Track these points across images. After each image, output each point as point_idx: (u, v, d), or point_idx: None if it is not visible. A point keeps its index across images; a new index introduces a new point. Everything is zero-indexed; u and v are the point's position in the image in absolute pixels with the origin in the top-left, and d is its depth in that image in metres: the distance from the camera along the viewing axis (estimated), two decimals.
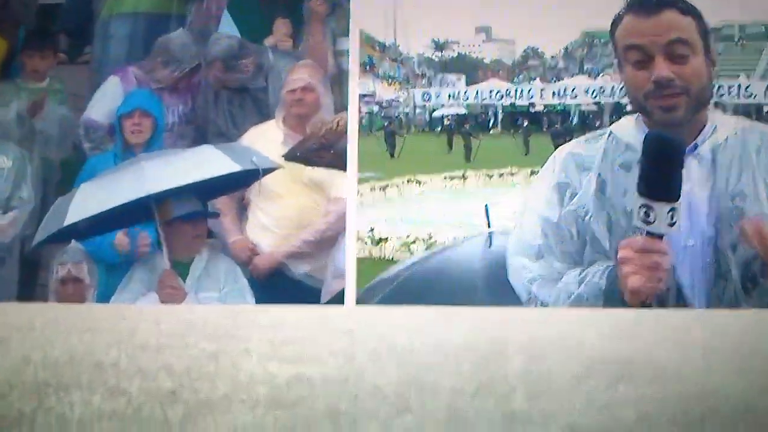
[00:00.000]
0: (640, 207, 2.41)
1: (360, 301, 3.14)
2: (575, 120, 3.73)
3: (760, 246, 2.62)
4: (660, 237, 2.44)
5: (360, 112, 3.54)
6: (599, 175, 2.82)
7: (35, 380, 2.44)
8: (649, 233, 2.43)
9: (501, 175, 3.70)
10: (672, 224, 2.41)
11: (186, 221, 3.54)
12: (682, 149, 2.49)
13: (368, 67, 3.74)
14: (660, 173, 2.41)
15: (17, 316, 3.37)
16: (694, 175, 2.72)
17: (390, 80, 3.82)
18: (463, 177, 3.74)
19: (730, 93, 3.53)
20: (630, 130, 2.83)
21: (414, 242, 3.58)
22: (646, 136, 2.54)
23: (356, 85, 3.51)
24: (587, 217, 2.81)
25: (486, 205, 3.47)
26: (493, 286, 3.09)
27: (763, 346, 2.66)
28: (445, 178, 3.73)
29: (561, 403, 2.49)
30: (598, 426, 2.40)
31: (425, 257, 3.53)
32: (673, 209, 2.40)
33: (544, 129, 3.76)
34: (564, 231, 2.83)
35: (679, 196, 2.41)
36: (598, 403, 2.48)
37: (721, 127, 2.80)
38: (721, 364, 2.63)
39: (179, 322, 3.15)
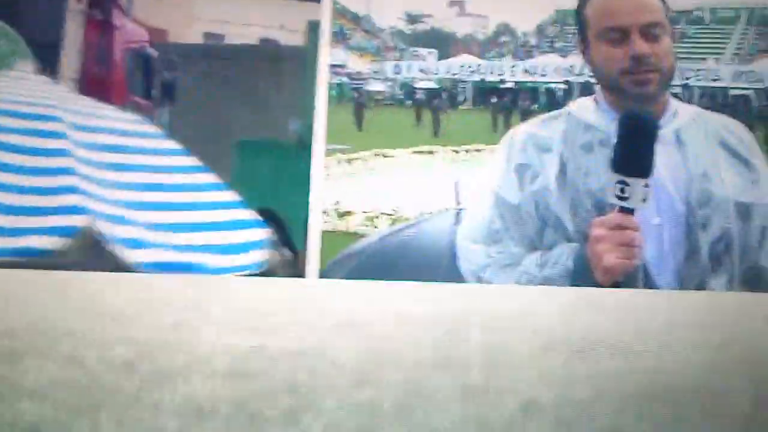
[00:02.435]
0: (616, 183, 2.53)
1: (325, 275, 3.21)
2: (544, 98, 3.81)
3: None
4: (631, 212, 2.56)
5: (329, 82, 3.60)
6: (561, 156, 2.91)
7: None
8: (622, 209, 2.54)
9: (468, 151, 3.78)
10: (644, 200, 2.55)
11: None
12: (656, 126, 2.64)
13: (340, 37, 3.80)
14: (636, 150, 2.55)
15: None
16: (660, 155, 2.81)
17: (362, 52, 3.88)
18: (431, 152, 3.81)
19: (697, 76, 3.62)
20: (590, 110, 2.94)
21: (379, 217, 3.65)
22: (622, 114, 2.67)
23: (327, 55, 3.57)
24: (549, 199, 2.90)
25: (456, 182, 3.53)
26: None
27: (722, 326, 2.78)
28: (412, 152, 3.80)
29: (518, 379, 2.60)
30: (554, 401, 2.51)
31: (392, 232, 3.59)
32: (646, 185, 2.53)
33: (514, 106, 3.84)
34: (523, 214, 2.91)
35: (652, 172, 2.55)
36: (555, 379, 2.59)
37: (681, 111, 2.94)
38: (677, 342, 2.75)
39: (141, 291, 3.21)
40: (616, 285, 2.66)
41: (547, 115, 3.05)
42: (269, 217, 3.85)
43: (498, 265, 2.95)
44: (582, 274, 2.73)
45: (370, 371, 2.62)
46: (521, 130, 3.03)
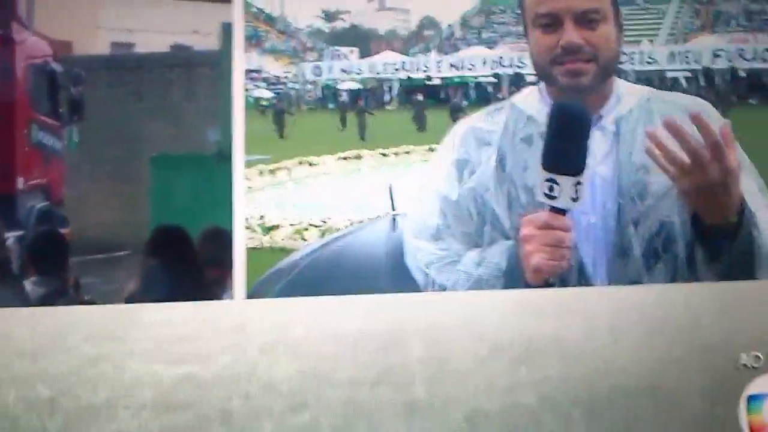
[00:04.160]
0: (544, 181, 2.54)
1: (253, 295, 3.23)
2: (473, 93, 3.87)
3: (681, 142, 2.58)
4: (563, 213, 2.58)
5: (245, 89, 3.61)
6: (499, 149, 2.92)
7: None
8: (552, 208, 2.57)
9: (397, 153, 3.82)
10: (576, 199, 2.54)
11: None
12: (588, 121, 2.62)
13: (254, 40, 3.82)
14: (565, 146, 2.54)
15: None
16: (597, 148, 2.82)
17: (278, 54, 3.90)
18: (358, 157, 3.84)
19: (632, 59, 3.69)
20: (532, 101, 2.94)
21: (307, 229, 3.67)
22: (552, 107, 2.66)
23: (241, 60, 3.59)
24: (487, 195, 2.92)
25: (390, 186, 3.55)
26: (399, 272, 3.18)
27: (668, 321, 2.87)
28: (338, 158, 3.82)
29: (462, 389, 2.66)
30: (500, 410, 2.58)
31: (324, 244, 3.61)
32: (578, 183, 2.54)
33: (443, 103, 3.89)
34: (463, 210, 2.92)
35: (584, 169, 2.56)
36: (500, 387, 2.66)
37: (626, 97, 2.92)
38: (626, 342, 2.82)
39: (57, 323, 3.20)
40: (547, 286, 2.67)
41: (491, 107, 3.07)
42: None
43: (442, 262, 2.97)
44: (514, 274, 2.75)
45: (307, 393, 2.66)
46: (465, 124, 3.05)
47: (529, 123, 2.92)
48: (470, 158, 2.96)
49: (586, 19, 2.80)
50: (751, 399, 2.84)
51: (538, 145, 2.82)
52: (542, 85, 2.94)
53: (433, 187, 3.01)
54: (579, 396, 2.67)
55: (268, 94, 3.82)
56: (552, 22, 2.82)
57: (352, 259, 3.45)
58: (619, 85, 2.97)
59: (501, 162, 2.92)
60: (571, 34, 2.79)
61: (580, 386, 2.72)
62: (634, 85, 3.05)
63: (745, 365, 2.85)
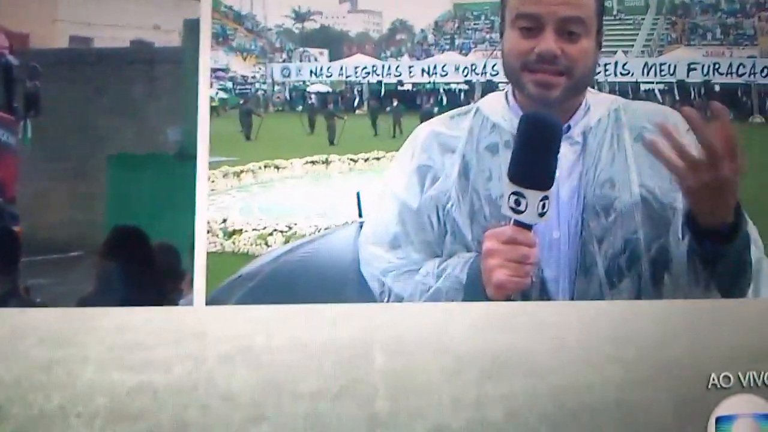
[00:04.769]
0: (511, 194, 2.52)
1: (213, 301, 3.20)
2: (445, 99, 3.87)
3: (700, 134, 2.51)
4: (528, 227, 2.55)
5: (211, 88, 3.60)
6: (463, 157, 2.89)
7: None
8: (517, 222, 2.54)
9: (366, 159, 3.81)
10: (542, 214, 2.48)
11: None
12: (559, 133, 2.57)
13: (221, 38, 3.80)
14: (534, 159, 2.48)
15: None
16: (564, 160, 2.76)
17: (246, 54, 3.89)
18: (326, 162, 3.83)
19: (606, 71, 3.71)
20: (498, 108, 2.89)
21: (272, 234, 3.65)
22: (522, 117, 2.61)
23: (207, 58, 3.57)
24: (449, 204, 2.89)
25: (357, 193, 3.53)
26: (366, 281, 3.17)
27: (638, 338, 2.88)
28: (306, 162, 3.81)
29: (427, 403, 2.66)
30: (466, 425, 2.58)
31: (289, 250, 3.59)
32: (545, 198, 2.51)
33: (414, 109, 3.88)
34: (424, 219, 2.88)
35: (552, 184, 2.54)
36: (467, 402, 2.66)
37: (595, 107, 2.88)
38: (594, 358, 2.84)
39: (8, 327, 3.17)
40: (508, 301, 2.64)
41: (456, 111, 3.00)
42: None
43: (399, 272, 2.93)
44: (475, 288, 2.71)
45: (267, 404, 2.65)
46: (427, 128, 2.98)
47: (494, 131, 2.87)
48: (433, 164, 2.90)
49: (567, 30, 2.75)
50: (720, 420, 2.86)
51: (503, 155, 2.79)
52: (509, 89, 2.90)
53: (392, 192, 2.96)
54: (546, 412, 2.68)
55: (234, 93, 3.81)
56: (532, 26, 2.75)
57: (319, 267, 3.43)
58: (589, 94, 2.93)
59: (464, 170, 2.87)
60: (549, 42, 2.73)
61: (548, 402, 2.73)
62: (603, 94, 3.02)
63: (715, 386, 2.88)
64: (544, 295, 2.80)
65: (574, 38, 2.74)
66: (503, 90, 2.92)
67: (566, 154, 2.78)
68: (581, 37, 2.74)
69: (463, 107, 3.00)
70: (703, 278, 2.74)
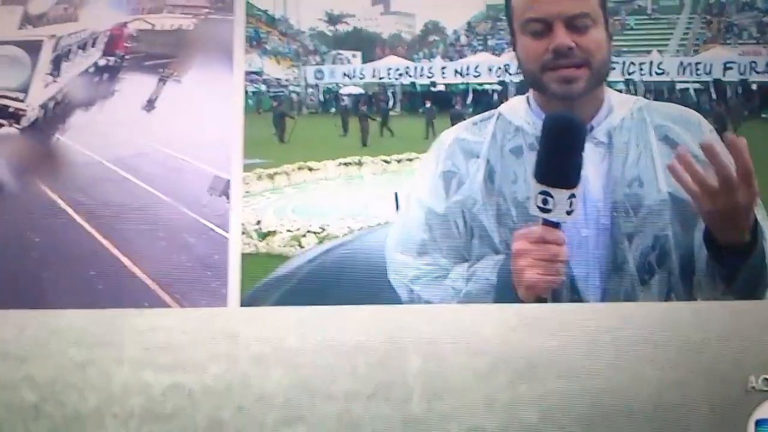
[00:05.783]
0: (538, 194, 2.53)
1: (248, 303, 3.20)
2: (479, 101, 3.85)
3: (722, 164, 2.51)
4: (557, 226, 2.56)
5: (245, 91, 3.61)
6: (488, 161, 2.89)
7: None
8: (545, 222, 2.53)
9: (399, 161, 3.80)
10: (570, 212, 2.49)
11: None
12: (583, 132, 2.59)
13: (255, 42, 3.81)
14: (560, 157, 2.50)
15: None
16: (589, 160, 2.79)
17: (279, 57, 3.89)
18: (359, 163, 3.82)
19: (641, 70, 3.67)
20: (520, 111, 2.90)
21: (305, 235, 3.65)
22: (546, 119, 2.64)
23: (241, 61, 3.58)
24: (475, 208, 2.89)
25: (396, 193, 3.54)
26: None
27: (674, 340, 2.85)
28: (339, 164, 3.81)
29: (461, 404, 2.64)
30: (500, 427, 2.56)
31: (324, 251, 3.59)
32: (572, 196, 2.52)
33: (446, 111, 3.87)
34: (450, 224, 2.89)
35: (579, 181, 2.55)
36: (500, 403, 2.64)
37: (618, 108, 2.89)
38: (629, 360, 2.80)
39: (44, 327, 3.19)
40: (540, 302, 2.65)
41: (478, 117, 3.03)
42: None
43: (427, 278, 2.94)
44: (506, 290, 2.71)
45: (301, 406, 2.64)
46: (450, 134, 3.01)
47: (517, 134, 2.89)
48: (458, 170, 2.92)
49: (576, 24, 2.78)
50: (760, 423, 2.82)
51: (528, 157, 2.81)
52: (531, 93, 2.92)
53: (417, 199, 2.98)
54: (581, 414, 2.65)
55: (268, 96, 3.82)
56: (542, 29, 2.79)
57: (355, 268, 3.42)
58: (610, 95, 2.96)
59: (490, 174, 2.89)
60: (561, 37, 2.75)
61: (582, 404, 2.70)
62: (624, 95, 3.04)
63: (754, 388, 2.83)
64: (574, 293, 2.80)
65: (584, 30, 2.76)
66: (524, 95, 2.94)
67: (591, 154, 2.79)
68: (590, 28, 2.77)
69: (485, 113, 3.03)
70: (721, 287, 2.74)
